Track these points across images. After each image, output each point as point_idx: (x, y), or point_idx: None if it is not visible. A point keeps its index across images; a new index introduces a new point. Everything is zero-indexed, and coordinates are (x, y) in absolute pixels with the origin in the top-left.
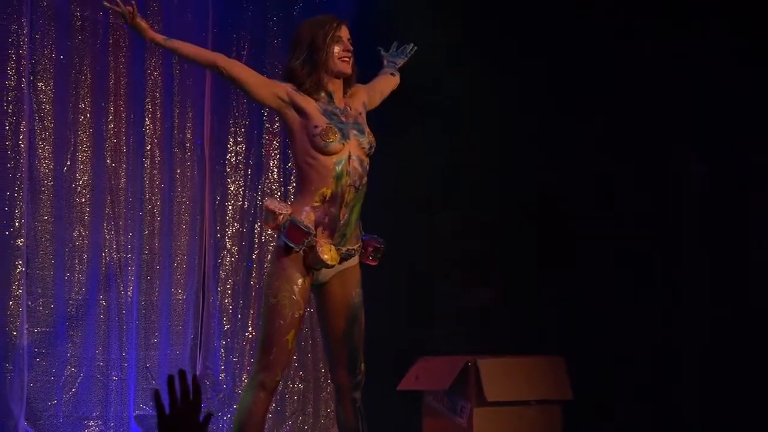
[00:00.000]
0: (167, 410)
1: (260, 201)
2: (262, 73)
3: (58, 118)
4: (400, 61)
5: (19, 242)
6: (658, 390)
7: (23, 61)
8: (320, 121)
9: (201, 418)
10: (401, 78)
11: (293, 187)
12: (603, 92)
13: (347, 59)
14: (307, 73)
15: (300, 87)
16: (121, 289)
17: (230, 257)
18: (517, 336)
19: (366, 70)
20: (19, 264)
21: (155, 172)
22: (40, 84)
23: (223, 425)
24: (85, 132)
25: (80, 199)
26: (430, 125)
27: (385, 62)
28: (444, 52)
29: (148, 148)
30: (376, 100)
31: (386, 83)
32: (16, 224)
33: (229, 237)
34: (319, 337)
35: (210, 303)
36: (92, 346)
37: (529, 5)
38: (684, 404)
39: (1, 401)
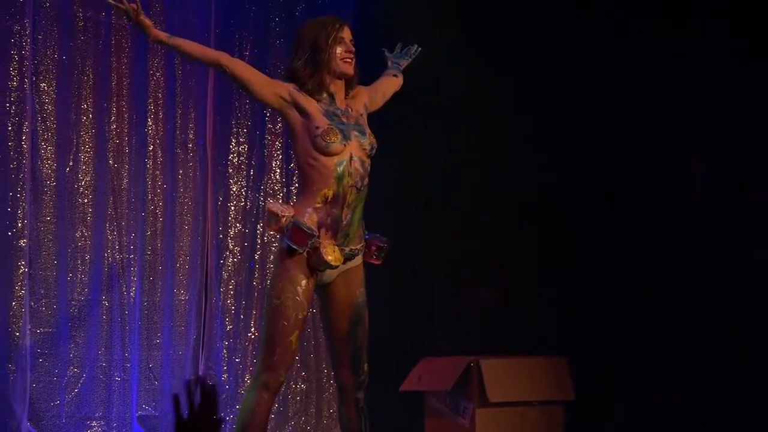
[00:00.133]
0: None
1: (263, 201)
2: (264, 73)
3: (60, 119)
4: (404, 62)
5: (22, 243)
6: (658, 390)
7: (26, 62)
8: (321, 121)
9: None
10: (403, 78)
11: (296, 187)
12: (602, 92)
13: (349, 60)
14: (310, 73)
15: (302, 87)
16: (124, 289)
17: (233, 258)
18: (518, 336)
19: (367, 70)
20: (22, 265)
21: (158, 172)
22: (42, 85)
23: (225, 426)
24: (88, 132)
25: (83, 199)
26: (430, 125)
27: (389, 63)
28: (444, 52)
29: (150, 148)
30: (378, 102)
31: (388, 85)
32: (19, 225)
33: (231, 237)
34: (321, 337)
35: (212, 303)
36: (95, 346)
37: (528, 5)
38: (684, 404)
39: (3, 402)
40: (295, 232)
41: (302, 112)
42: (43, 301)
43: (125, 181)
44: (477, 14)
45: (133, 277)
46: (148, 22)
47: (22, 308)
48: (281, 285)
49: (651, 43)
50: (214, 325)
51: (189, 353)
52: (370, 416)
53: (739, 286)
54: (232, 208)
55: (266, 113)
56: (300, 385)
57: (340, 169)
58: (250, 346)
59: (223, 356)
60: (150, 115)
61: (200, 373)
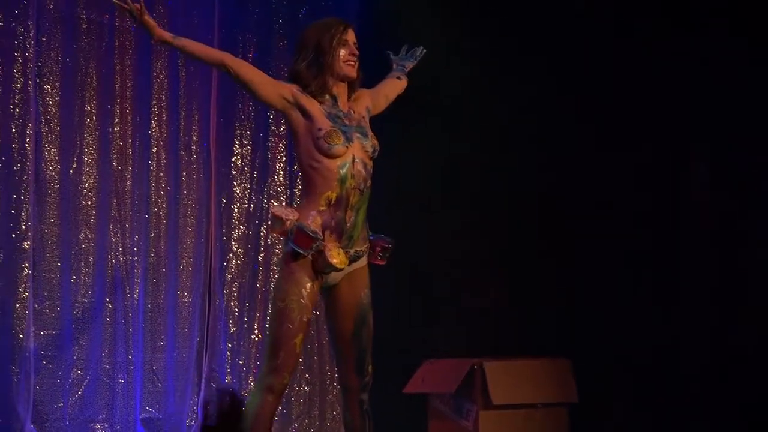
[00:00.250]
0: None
1: (266, 203)
2: (267, 74)
3: (64, 121)
4: (409, 65)
5: (26, 245)
6: (660, 390)
7: (29, 64)
8: (324, 123)
9: None
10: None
11: (299, 189)
12: (602, 92)
13: (353, 63)
14: (313, 75)
15: (305, 89)
16: (128, 291)
17: (236, 260)
18: (520, 336)
19: (369, 70)
20: (26, 266)
21: (161, 174)
22: (46, 87)
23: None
24: (91, 134)
25: (86, 201)
26: (431, 125)
27: (394, 66)
28: (446, 51)
29: (154, 150)
30: (381, 105)
31: (392, 87)
32: (23, 227)
33: (235, 239)
34: (325, 339)
35: (216, 306)
36: (98, 348)
37: (529, 5)
38: (685, 404)
39: (7, 404)
40: (300, 235)
41: (305, 113)
42: (47, 303)
43: (129, 183)
44: (478, 14)
45: (137, 279)
46: (152, 22)
47: (25, 310)
48: (286, 288)
49: (651, 43)
50: (218, 328)
51: (192, 355)
52: (374, 418)
53: (740, 285)
54: (236, 210)
55: (270, 115)
56: (303, 388)
57: (342, 172)
58: (254, 348)
59: (227, 358)
60: (153, 117)
61: (204, 376)
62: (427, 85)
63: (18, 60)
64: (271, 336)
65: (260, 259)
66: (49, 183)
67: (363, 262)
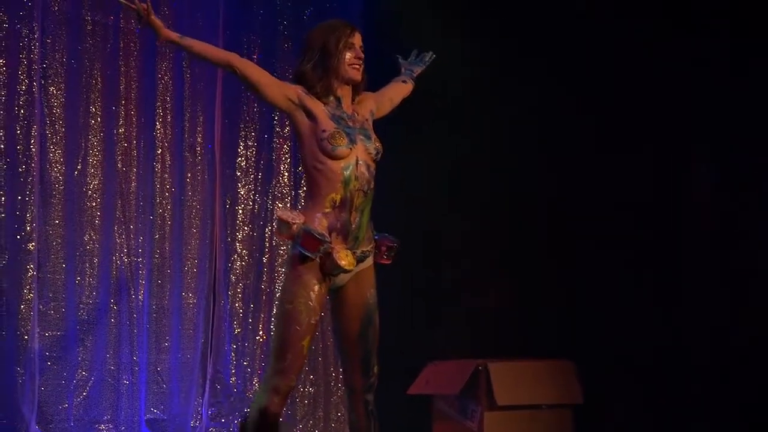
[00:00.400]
0: None
1: (271, 205)
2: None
3: (69, 123)
4: (418, 69)
5: (31, 246)
6: (660, 391)
7: (34, 66)
8: (328, 125)
9: None
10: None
11: (303, 190)
12: (603, 93)
13: (358, 66)
14: (318, 77)
15: (310, 90)
16: (132, 293)
17: (241, 261)
18: (524, 338)
19: (372, 71)
20: (31, 268)
21: (166, 176)
22: (51, 88)
23: (233, 429)
24: (96, 136)
25: (91, 203)
26: (435, 127)
27: (403, 70)
28: (451, 53)
29: (158, 152)
30: (386, 108)
31: (397, 91)
32: (28, 228)
33: (239, 241)
34: (330, 341)
35: (221, 307)
36: (103, 349)
37: (530, 5)
38: (687, 404)
39: (12, 405)
40: (307, 238)
41: (309, 114)
42: (52, 304)
43: (133, 184)
44: (479, 15)
45: (142, 280)
46: (159, 22)
47: (30, 311)
48: (294, 290)
49: (652, 44)
50: (223, 329)
51: (197, 356)
52: (379, 419)
53: (741, 286)
54: (240, 211)
55: (274, 117)
56: (308, 389)
57: (347, 173)
58: (258, 349)
59: (231, 359)
60: (158, 119)
61: (208, 377)
62: (430, 88)
63: (23, 61)
64: (278, 338)
65: (265, 260)
66: (54, 184)
67: (369, 262)
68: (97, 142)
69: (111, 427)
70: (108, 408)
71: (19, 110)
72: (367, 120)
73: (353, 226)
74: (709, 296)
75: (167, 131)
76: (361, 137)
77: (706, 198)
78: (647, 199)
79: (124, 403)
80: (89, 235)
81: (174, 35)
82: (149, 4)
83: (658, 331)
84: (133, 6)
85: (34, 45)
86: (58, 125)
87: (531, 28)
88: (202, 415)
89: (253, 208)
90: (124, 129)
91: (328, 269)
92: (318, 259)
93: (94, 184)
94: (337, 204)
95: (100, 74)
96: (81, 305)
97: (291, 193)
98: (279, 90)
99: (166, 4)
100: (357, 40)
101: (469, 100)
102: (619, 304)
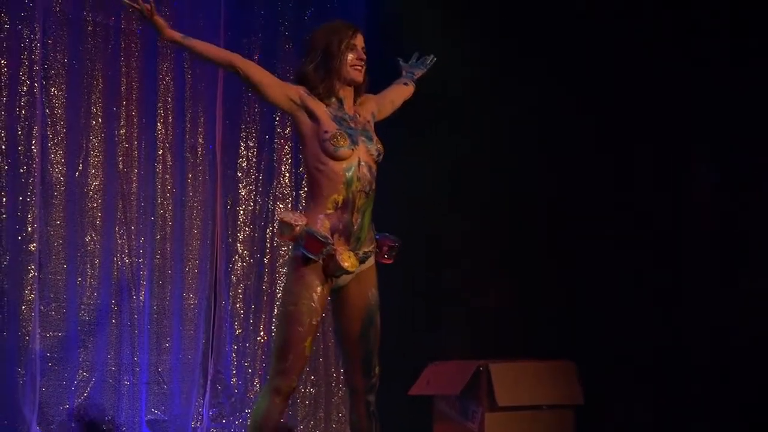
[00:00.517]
0: None
1: (272, 205)
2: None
3: (70, 123)
4: (419, 72)
5: (32, 247)
6: (660, 391)
7: (36, 66)
8: (330, 126)
9: None
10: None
11: (304, 191)
12: (603, 93)
13: (360, 68)
14: (321, 78)
15: (312, 91)
16: (133, 293)
17: (241, 262)
18: (524, 338)
19: (374, 72)
20: (32, 269)
21: (167, 176)
22: (52, 89)
23: (234, 430)
24: (97, 137)
25: (92, 203)
26: (436, 127)
27: (404, 72)
28: (452, 54)
29: (159, 152)
30: (387, 110)
31: (398, 93)
32: (29, 229)
33: (240, 241)
34: (331, 341)
35: (221, 307)
36: (104, 350)
37: (530, 5)
38: (686, 405)
39: (13, 406)
40: (310, 240)
41: (311, 115)
42: (53, 305)
43: (134, 185)
44: (480, 16)
45: (143, 281)
46: (162, 22)
47: (31, 312)
48: (297, 291)
49: (652, 44)
50: (224, 329)
51: (198, 357)
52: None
53: (741, 286)
54: (241, 211)
55: (275, 117)
56: (309, 389)
57: (349, 175)
58: (259, 350)
59: (232, 360)
60: (159, 119)
61: (209, 377)
62: (430, 88)
63: (24, 62)
64: (280, 339)
65: (266, 261)
66: (55, 185)
67: (370, 262)
68: (98, 142)
69: (112, 427)
70: (109, 409)
71: (20, 111)
72: (368, 122)
73: (355, 227)
74: (709, 296)
75: (168, 132)
76: (363, 138)
77: (706, 198)
78: (647, 199)
79: (125, 404)
80: (90, 235)
81: (177, 35)
82: (152, 4)
83: (658, 331)
84: (137, 6)
85: (36, 46)
86: (59, 126)
87: (531, 28)
88: (203, 415)
89: (254, 208)
90: (126, 130)
91: (331, 271)
92: (321, 261)
93: (95, 184)
94: (340, 205)
95: (101, 75)
96: (82, 306)
97: (292, 194)
98: (281, 90)
99: (166, 5)
100: (359, 41)
101: (469, 100)
102: (619, 304)
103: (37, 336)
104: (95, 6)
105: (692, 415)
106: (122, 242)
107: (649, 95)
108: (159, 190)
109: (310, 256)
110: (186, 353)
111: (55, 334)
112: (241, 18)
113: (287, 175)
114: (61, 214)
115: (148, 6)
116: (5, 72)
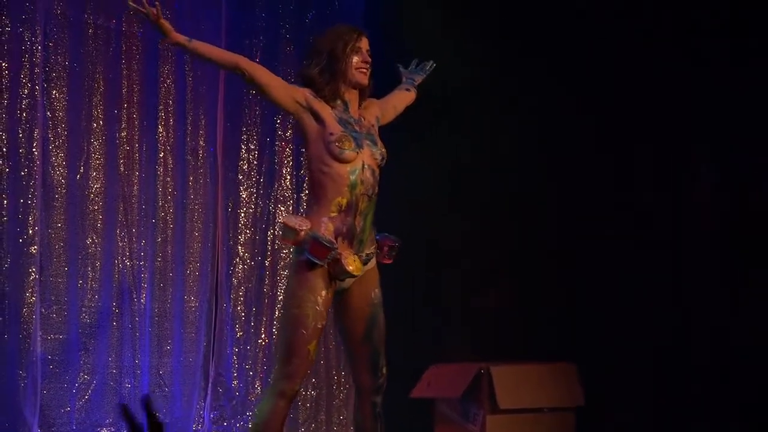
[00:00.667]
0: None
1: (273, 208)
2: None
3: (71, 126)
4: (419, 78)
5: (33, 249)
6: (660, 391)
7: (37, 69)
8: (335, 128)
9: None
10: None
11: (306, 194)
12: (603, 93)
13: (365, 71)
14: (326, 81)
15: (318, 93)
16: (134, 296)
17: (243, 264)
18: (525, 340)
19: (375, 74)
20: (33, 271)
21: (168, 179)
22: (53, 92)
23: None
24: (98, 139)
25: (93, 206)
26: (436, 128)
27: (404, 78)
28: (452, 55)
29: (160, 155)
30: (390, 115)
31: (400, 99)
32: (30, 231)
33: (241, 244)
34: (332, 344)
35: (222, 310)
36: (105, 353)
37: (530, 5)
38: (686, 405)
39: (14, 408)
40: (315, 245)
41: (317, 117)
42: (54, 307)
43: (136, 187)
44: (480, 16)
45: (144, 283)
46: (168, 26)
47: (32, 315)
48: (301, 294)
49: (653, 44)
50: (225, 332)
51: (199, 360)
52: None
53: (741, 287)
54: (242, 214)
55: (276, 120)
56: (310, 392)
57: (353, 177)
58: (261, 352)
59: (233, 363)
60: (160, 122)
61: (210, 380)
62: (430, 88)
63: (25, 65)
64: (284, 342)
65: (267, 263)
66: (56, 188)
67: (373, 263)
68: (99, 145)
69: (113, 430)
70: (110, 411)
71: (21, 113)
72: (373, 126)
73: (358, 230)
74: (709, 296)
75: (169, 134)
76: (368, 142)
77: (706, 198)
78: (647, 199)
79: None
80: (91, 238)
81: (182, 38)
82: (158, 8)
83: (658, 331)
84: (143, 10)
85: (37, 48)
86: (60, 128)
87: (531, 28)
88: (204, 418)
89: (255, 211)
90: (127, 132)
91: (336, 274)
92: (326, 265)
93: (96, 187)
94: (343, 208)
95: (103, 78)
96: (83, 309)
97: (293, 197)
98: (287, 92)
99: (168, 7)
100: (364, 44)
101: (469, 100)
102: (619, 305)
103: (38, 339)
104: (96, 9)
105: (692, 415)
106: (123, 245)
107: (649, 95)
108: (160, 193)
109: (315, 261)
110: (187, 356)
111: (56, 336)
112: (242, 20)
113: (288, 177)
114: (62, 217)
115: (154, 10)
116: (6, 74)
